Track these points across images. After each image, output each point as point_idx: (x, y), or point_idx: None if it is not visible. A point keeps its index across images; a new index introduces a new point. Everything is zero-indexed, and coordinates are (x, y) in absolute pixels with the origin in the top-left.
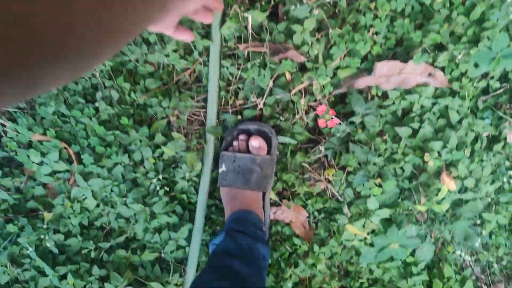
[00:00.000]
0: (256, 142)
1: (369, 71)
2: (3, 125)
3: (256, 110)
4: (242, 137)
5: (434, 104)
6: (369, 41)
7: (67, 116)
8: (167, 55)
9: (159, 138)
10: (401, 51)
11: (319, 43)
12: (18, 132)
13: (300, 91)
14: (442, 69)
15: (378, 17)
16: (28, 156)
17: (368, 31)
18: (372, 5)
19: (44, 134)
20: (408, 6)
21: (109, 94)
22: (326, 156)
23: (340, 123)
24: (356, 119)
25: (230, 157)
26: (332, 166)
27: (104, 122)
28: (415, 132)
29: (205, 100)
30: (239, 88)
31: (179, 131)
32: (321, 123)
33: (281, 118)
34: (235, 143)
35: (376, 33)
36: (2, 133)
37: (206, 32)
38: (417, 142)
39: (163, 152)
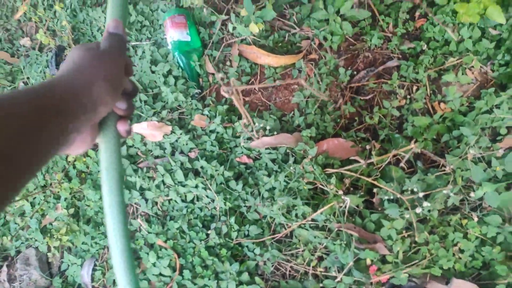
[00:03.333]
0: None
1: (446, 280)
2: (141, 224)
3: (335, 282)
4: None
5: None
6: (452, 260)
7: (185, 233)
8: (272, 211)
9: (245, 277)
10: (486, 275)
11: (403, 243)
12: (149, 232)
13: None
14: None
15: (467, 237)
16: (148, 254)
17: (455, 245)
18: (464, 222)
19: (165, 242)
20: (500, 235)
21: (221, 226)
22: None
23: None
24: None
25: None
26: None
27: (209, 247)
28: None
29: (291, 255)
30: (323, 256)
31: (262, 276)
32: None
33: None
34: None
35: (462, 251)
36: (138, 229)
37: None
38: None
39: None
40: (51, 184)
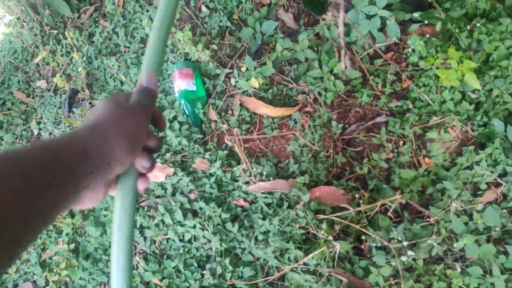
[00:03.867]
0: None
1: None
2: (139, 262)
3: None
4: None
5: None
6: None
7: (181, 273)
8: (266, 253)
9: None
10: None
11: None
12: (146, 270)
13: None
14: None
15: (451, 287)
16: None
17: None
18: (448, 272)
19: (161, 280)
20: (482, 286)
21: (216, 267)
22: None
23: None
24: None
25: None
26: None
27: (203, 287)
28: None
29: None
30: None
31: None
32: None
33: None
34: None
35: None
36: (135, 267)
37: None
38: None
39: None
40: None
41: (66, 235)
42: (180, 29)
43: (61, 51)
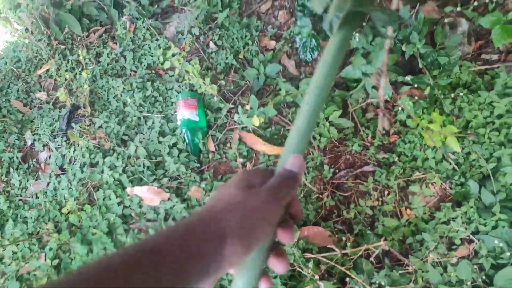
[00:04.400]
0: None
1: None
2: None
3: None
4: None
5: None
6: None
7: None
8: None
9: None
10: None
11: None
12: None
13: None
14: None
15: None
16: None
17: None
18: None
19: None
20: None
21: None
22: None
23: None
24: None
25: None
26: None
27: None
28: None
29: None
30: None
31: None
32: None
33: None
34: None
35: None
36: None
37: None
38: None
39: None
40: (38, 232)
41: (50, 250)
42: (187, 61)
43: (66, 66)
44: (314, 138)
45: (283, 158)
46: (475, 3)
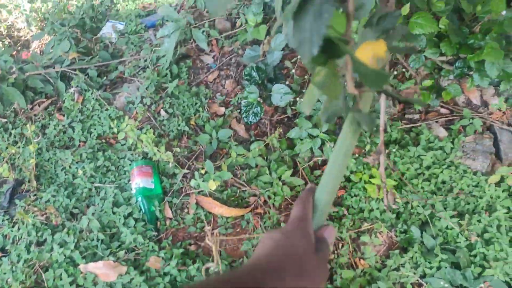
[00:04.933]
0: None
1: None
2: None
3: None
4: None
5: None
6: None
7: None
8: None
9: None
10: None
11: None
12: None
13: None
14: None
15: None
16: None
17: None
18: None
19: None
20: None
21: None
22: None
23: None
24: None
25: None
26: None
27: None
28: None
29: None
30: None
31: None
32: None
33: None
34: None
35: None
36: None
37: None
38: None
39: None
40: None
41: None
42: (139, 129)
43: (8, 140)
44: (269, 197)
45: (316, 224)
46: (395, 72)
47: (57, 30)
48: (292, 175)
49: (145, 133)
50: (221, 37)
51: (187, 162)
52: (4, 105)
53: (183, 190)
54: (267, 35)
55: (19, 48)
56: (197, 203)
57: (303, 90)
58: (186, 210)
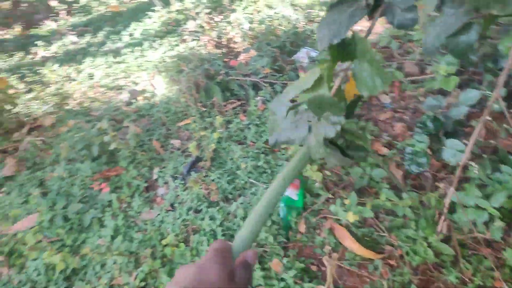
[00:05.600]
0: None
1: None
2: None
3: None
4: None
5: None
6: None
7: None
8: None
9: None
10: None
11: None
12: None
13: None
14: None
15: None
16: None
17: None
18: None
19: None
20: None
21: None
22: None
23: None
24: None
25: None
26: None
27: None
28: None
29: None
30: None
31: None
32: None
33: None
34: None
35: None
36: None
37: None
38: None
39: None
40: (137, 254)
41: (141, 272)
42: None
43: (201, 125)
44: (408, 254)
45: (240, 245)
46: None
47: (262, 48)
48: (443, 241)
49: None
50: (406, 80)
51: (333, 187)
52: (207, 97)
53: (322, 212)
54: (457, 88)
55: (230, 57)
56: (330, 229)
57: (484, 155)
58: (318, 232)
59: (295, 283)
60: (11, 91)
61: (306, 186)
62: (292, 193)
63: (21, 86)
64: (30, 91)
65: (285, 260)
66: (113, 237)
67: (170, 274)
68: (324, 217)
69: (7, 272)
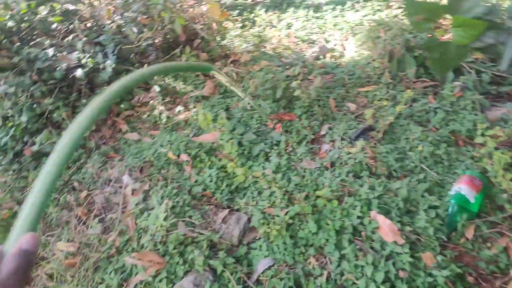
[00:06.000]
0: None
1: None
2: None
3: None
4: None
5: None
6: None
7: None
8: None
9: None
10: None
11: None
12: None
13: None
14: None
15: None
16: None
17: None
18: None
19: None
20: None
21: None
22: None
23: None
24: None
25: None
26: None
27: None
28: None
29: None
30: None
31: None
32: None
33: None
34: None
35: None
36: None
37: None
38: None
39: None
40: (292, 193)
41: (291, 211)
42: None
43: (384, 95)
44: None
45: (15, 235)
46: None
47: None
48: None
49: (501, 153)
50: None
51: None
52: (398, 69)
53: (499, 227)
54: None
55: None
56: (505, 248)
57: None
58: (489, 244)
59: (446, 284)
60: (225, 25)
61: (489, 192)
62: (469, 193)
63: (235, 23)
64: (243, 27)
65: (439, 257)
66: (274, 173)
67: (318, 224)
68: (501, 232)
69: (190, 170)
